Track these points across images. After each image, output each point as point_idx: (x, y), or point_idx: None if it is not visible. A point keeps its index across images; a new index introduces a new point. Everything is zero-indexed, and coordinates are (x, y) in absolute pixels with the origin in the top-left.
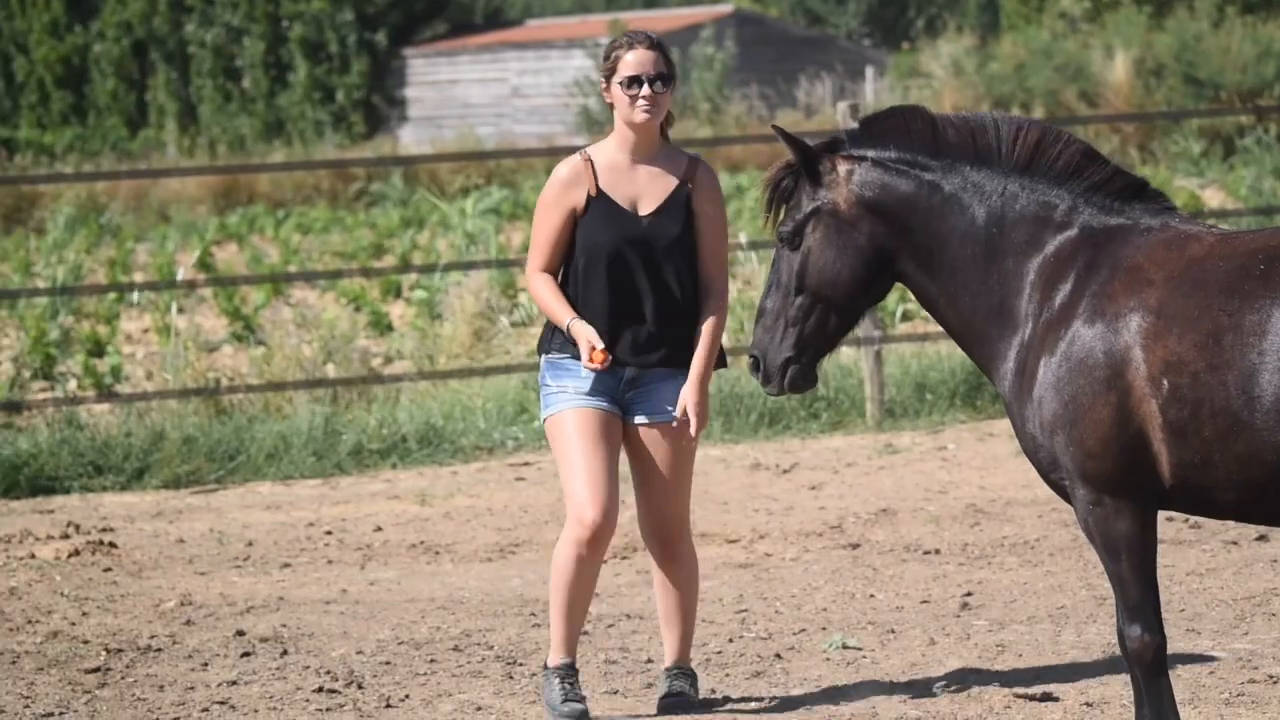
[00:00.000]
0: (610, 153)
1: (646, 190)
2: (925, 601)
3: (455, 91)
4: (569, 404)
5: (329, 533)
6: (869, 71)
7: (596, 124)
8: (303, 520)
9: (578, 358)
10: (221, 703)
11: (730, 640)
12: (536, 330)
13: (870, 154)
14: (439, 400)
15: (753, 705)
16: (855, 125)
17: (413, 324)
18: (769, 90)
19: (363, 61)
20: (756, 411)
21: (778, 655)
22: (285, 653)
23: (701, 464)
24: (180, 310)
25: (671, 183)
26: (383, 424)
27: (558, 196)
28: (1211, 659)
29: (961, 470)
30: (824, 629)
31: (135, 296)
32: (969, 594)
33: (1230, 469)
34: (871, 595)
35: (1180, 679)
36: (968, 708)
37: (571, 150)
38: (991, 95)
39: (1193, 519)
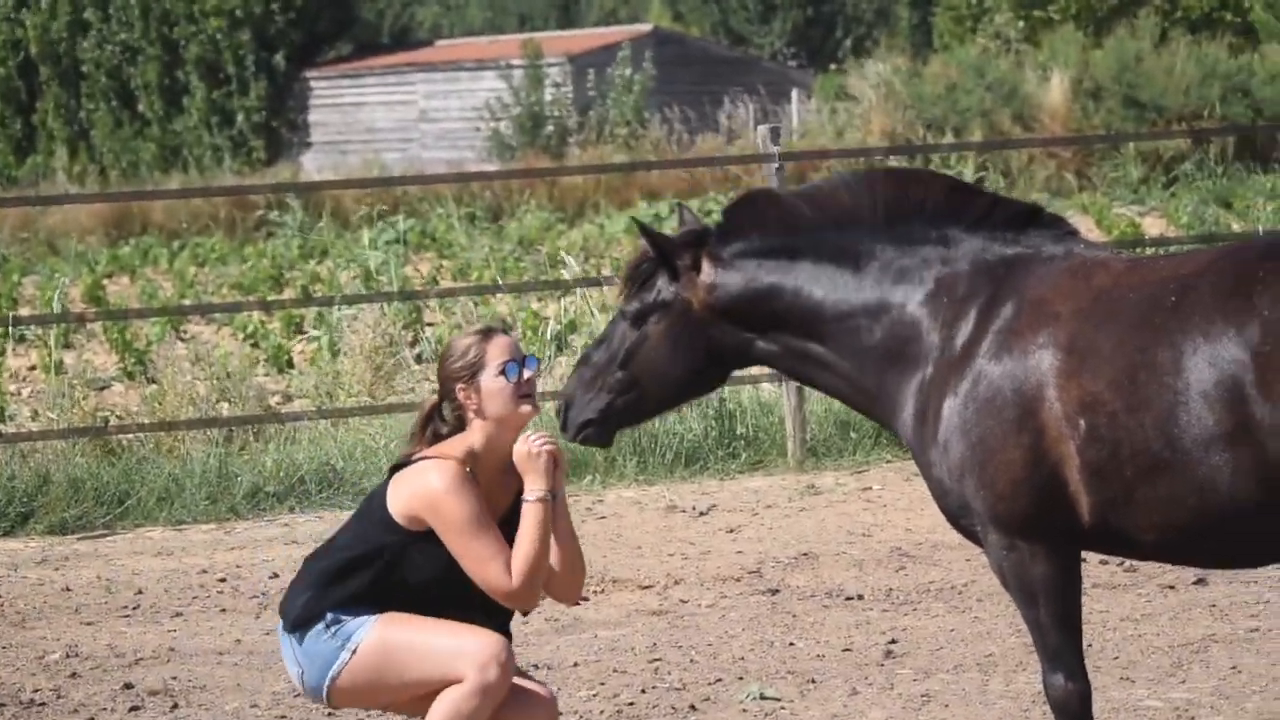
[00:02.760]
0: (477, 463)
1: (496, 500)
2: (847, 649)
3: (360, 115)
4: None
5: (223, 580)
6: (794, 94)
7: (508, 149)
8: (195, 567)
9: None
10: None
11: (643, 691)
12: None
13: (732, 248)
14: (339, 440)
15: None
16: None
17: (312, 360)
18: (690, 112)
19: (262, 84)
20: (673, 450)
21: (692, 706)
22: (176, 706)
23: (615, 506)
24: (69, 346)
25: (511, 489)
26: (280, 465)
27: (469, 488)
28: (1147, 708)
29: (887, 512)
30: (741, 678)
31: (21, 331)
32: (893, 641)
33: (1152, 510)
34: (791, 643)
35: None
36: None
37: (480, 176)
38: (922, 118)
39: (1128, 562)
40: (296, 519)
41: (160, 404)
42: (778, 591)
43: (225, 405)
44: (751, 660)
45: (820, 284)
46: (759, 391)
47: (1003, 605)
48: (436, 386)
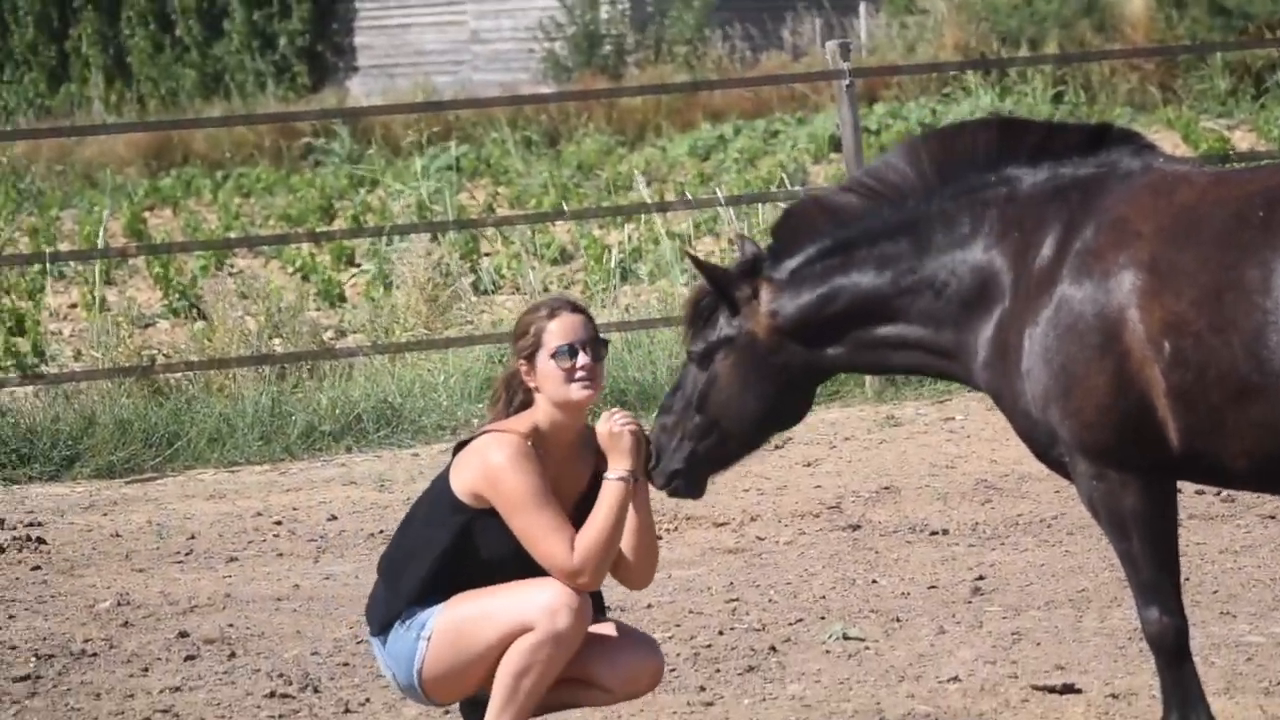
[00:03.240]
0: (541, 440)
1: (564, 487)
2: (933, 587)
3: (408, 37)
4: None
5: (279, 523)
6: (862, 7)
7: (564, 70)
8: (249, 510)
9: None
10: (164, 711)
11: (720, 632)
12: (502, 298)
13: (786, 266)
14: (396, 376)
15: (746, 702)
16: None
17: (365, 293)
18: (753, 29)
19: (305, 6)
20: None
21: (773, 648)
22: (233, 655)
23: None
24: (110, 282)
25: (585, 474)
26: (336, 403)
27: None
28: (1249, 644)
29: (970, 443)
30: (823, 618)
31: (60, 268)
32: (981, 578)
33: (1243, 435)
34: (874, 581)
35: (1214, 666)
36: (981, 702)
37: (535, 99)
38: (997, 30)
39: (1225, 492)
40: (354, 458)
41: (209, 341)
42: (859, 527)
43: (277, 341)
44: (833, 599)
45: (879, 266)
46: None
47: (1094, 538)
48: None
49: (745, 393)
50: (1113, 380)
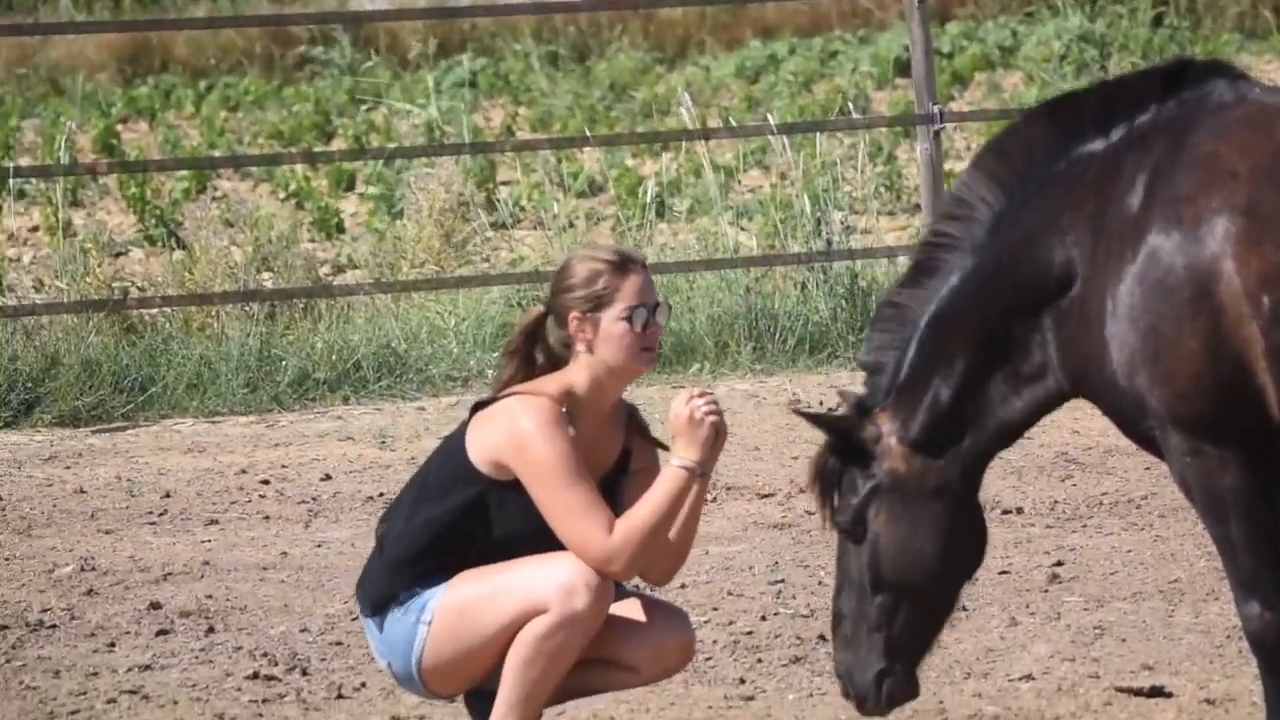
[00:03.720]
0: (577, 407)
1: (591, 460)
2: (1005, 572)
3: None
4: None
5: (265, 482)
6: None
7: None
8: (232, 466)
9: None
10: (132, 692)
11: (763, 618)
12: (521, 234)
13: (889, 381)
14: (401, 319)
15: (791, 697)
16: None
17: (368, 224)
18: None
19: None
20: (795, 336)
21: (821, 637)
22: (211, 630)
23: (728, 400)
24: (77, 203)
25: (615, 447)
26: (332, 347)
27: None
28: None
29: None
30: None
31: (20, 186)
32: (1059, 563)
33: None
34: None
35: None
36: (1057, 704)
37: (564, 7)
38: None
39: None
40: (351, 410)
41: (189, 274)
42: None
43: (266, 276)
44: None
45: (972, 335)
46: (895, 266)
47: (1189, 522)
48: (546, 297)
49: (916, 539)
50: (1207, 342)
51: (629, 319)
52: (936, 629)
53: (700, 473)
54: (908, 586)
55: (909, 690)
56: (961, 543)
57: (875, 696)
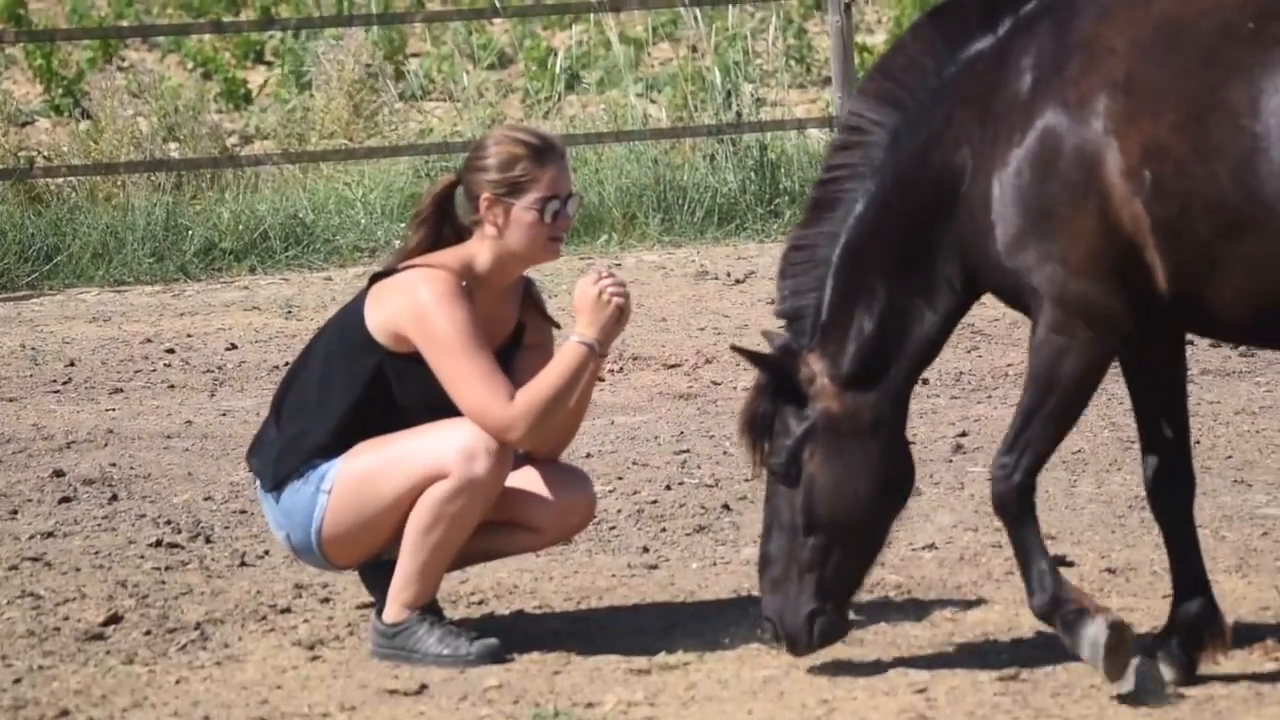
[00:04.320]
0: (476, 282)
1: (492, 330)
2: (910, 443)
3: None
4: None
5: (170, 351)
6: None
7: None
8: (137, 335)
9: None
10: (34, 559)
11: (668, 486)
12: (431, 106)
13: (818, 320)
14: (309, 190)
15: (694, 566)
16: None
17: (276, 94)
18: None
19: None
20: (704, 207)
21: (726, 506)
22: (115, 498)
23: (636, 271)
24: None
25: (510, 322)
26: (239, 217)
27: (462, 302)
28: (1265, 517)
29: None
30: None
31: None
32: (963, 434)
33: (1235, 274)
34: None
35: (1225, 541)
36: (959, 573)
37: None
38: None
39: (1244, 348)
40: (258, 280)
41: (96, 143)
42: None
43: (173, 146)
44: None
45: (885, 258)
46: (806, 139)
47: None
48: (459, 167)
49: (852, 478)
50: (1099, 221)
51: (540, 210)
52: (868, 566)
53: (600, 352)
54: (843, 526)
55: (840, 628)
56: (894, 478)
57: (807, 637)
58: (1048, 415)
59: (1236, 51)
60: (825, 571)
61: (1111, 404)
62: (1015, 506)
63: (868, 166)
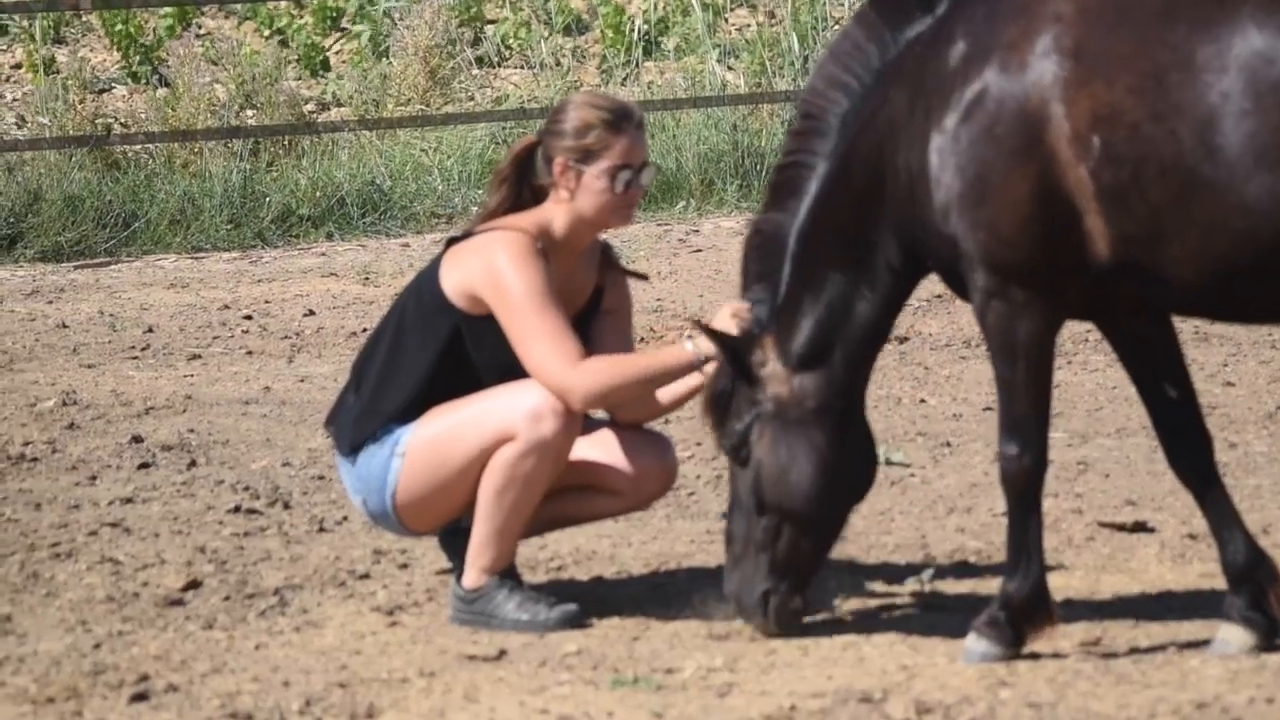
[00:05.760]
0: (551, 245)
1: (570, 294)
2: (989, 409)
3: None
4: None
5: (248, 317)
6: None
7: None
8: (216, 301)
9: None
10: (114, 524)
11: None
12: (507, 72)
13: (775, 306)
14: (386, 156)
15: None
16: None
17: (353, 62)
18: None
19: None
20: None
21: None
22: (193, 464)
23: (713, 237)
24: (61, 41)
25: (588, 285)
26: (316, 184)
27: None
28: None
29: None
30: None
31: (3, 22)
32: None
33: (1188, 241)
34: (922, 400)
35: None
36: (1043, 539)
37: None
38: None
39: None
40: (335, 247)
41: (173, 110)
42: (906, 340)
43: (250, 113)
44: (876, 419)
45: (834, 243)
46: None
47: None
48: (540, 129)
49: (796, 464)
50: (1036, 187)
51: (612, 178)
52: (822, 550)
53: (700, 368)
54: (789, 510)
55: (794, 610)
56: (844, 466)
57: (760, 616)
58: (1022, 384)
59: (1201, 9)
60: (777, 552)
61: (1193, 367)
62: (1028, 489)
63: (820, 151)
